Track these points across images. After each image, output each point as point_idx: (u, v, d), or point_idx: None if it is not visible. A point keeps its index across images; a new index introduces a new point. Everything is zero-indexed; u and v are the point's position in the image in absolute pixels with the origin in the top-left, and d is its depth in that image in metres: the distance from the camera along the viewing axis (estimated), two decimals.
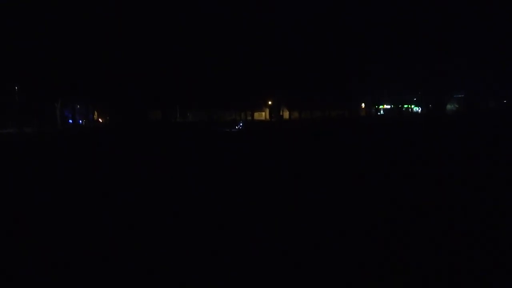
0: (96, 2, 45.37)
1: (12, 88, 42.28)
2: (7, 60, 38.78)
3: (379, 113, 73.41)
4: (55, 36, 42.21)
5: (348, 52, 65.69)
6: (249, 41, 62.63)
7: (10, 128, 43.53)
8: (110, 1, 45.94)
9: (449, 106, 64.88)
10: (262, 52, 64.66)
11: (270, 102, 75.19)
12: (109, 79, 49.01)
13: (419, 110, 72.85)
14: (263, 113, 78.39)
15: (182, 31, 54.89)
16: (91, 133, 35.05)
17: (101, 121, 67.43)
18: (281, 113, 75.17)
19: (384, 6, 60.06)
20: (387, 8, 60.25)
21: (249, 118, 71.65)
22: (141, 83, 53.36)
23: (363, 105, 75.51)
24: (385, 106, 76.55)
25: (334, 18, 62.71)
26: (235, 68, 64.31)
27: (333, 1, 60.39)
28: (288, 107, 73.28)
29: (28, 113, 44.95)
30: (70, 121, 56.59)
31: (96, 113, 64.39)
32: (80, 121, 59.13)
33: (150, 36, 50.73)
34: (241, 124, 38.57)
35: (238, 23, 58.93)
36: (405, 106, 70.74)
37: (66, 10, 43.77)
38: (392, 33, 59.88)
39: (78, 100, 54.21)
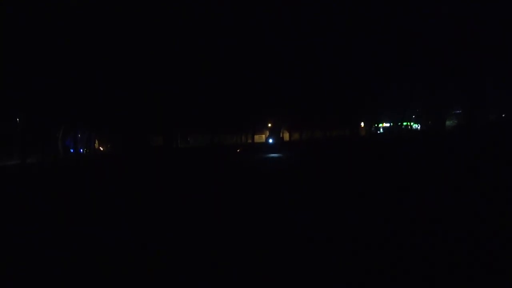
0: (95, 33, 46.01)
1: (14, 119, 42.36)
2: (9, 91, 38.98)
3: (378, 132, 73.68)
4: (56, 65, 42.60)
5: (346, 72, 66.54)
6: (248, 63, 63.44)
7: (13, 160, 43.38)
8: (109, 32, 46.59)
9: (448, 122, 65.19)
10: (261, 74, 65.41)
11: (270, 124, 75.57)
12: (109, 107, 49.24)
13: (419, 127, 73.18)
14: (263, 135, 78.67)
15: (180, 58, 55.58)
16: (94, 162, 34.93)
17: (102, 149, 67.37)
18: (281, 135, 75.42)
19: (382, 25, 61.10)
20: (385, 27, 61.28)
21: (249, 141, 71.81)
22: (141, 110, 53.60)
23: (362, 123, 75.93)
24: (384, 124, 76.90)
25: (333, 39, 63.67)
26: (235, 92, 64.88)
27: (331, 23, 61.45)
28: (288, 129, 73.55)
29: (30, 143, 44.85)
30: (72, 150, 56.49)
31: (97, 141, 64.43)
32: (81, 150, 59.03)
33: (148, 62, 51.28)
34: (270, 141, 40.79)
35: (237, 46, 59.78)
36: (405, 123, 71.09)
37: (66, 41, 44.35)
38: (390, 51, 60.74)
39: (79, 129, 54.26)
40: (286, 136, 74.61)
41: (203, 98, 62.02)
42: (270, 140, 65.95)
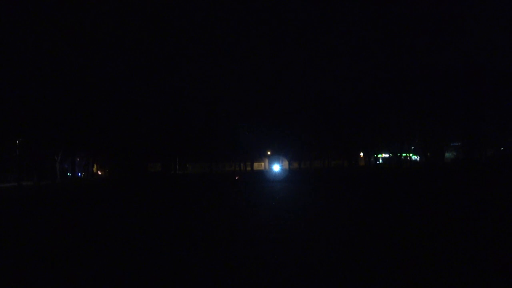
0: (96, 63, 47.33)
1: (13, 142, 42.78)
2: (8, 115, 39.62)
3: (378, 162, 73.55)
4: (56, 91, 43.50)
5: (345, 102, 67.36)
6: (249, 92, 64.72)
7: (9, 182, 43.47)
8: (110, 62, 47.93)
9: (447, 154, 65.15)
10: (260, 104, 66.34)
11: (269, 153, 75.78)
12: (108, 133, 49.78)
13: (418, 159, 73.10)
14: (262, 163, 78.67)
15: (181, 86, 56.77)
16: (93, 186, 34.89)
17: (100, 173, 67.42)
18: (282, 164, 75.45)
19: (383, 58, 62.55)
20: (383, 57, 62.68)
21: (249, 169, 71.86)
22: (141, 137, 54.13)
23: (361, 154, 75.93)
24: (384, 155, 76.91)
25: (331, 69, 65.15)
26: (235, 121, 65.55)
27: (333, 54, 63.07)
28: (287, 158, 73.66)
29: (28, 166, 45.12)
30: (69, 174, 56.63)
31: (95, 165, 64.60)
32: (79, 174, 59.14)
33: (149, 91, 52.28)
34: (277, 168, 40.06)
35: (238, 76, 61.06)
36: (404, 154, 71.07)
37: (66, 66, 45.50)
38: (389, 81, 61.79)
39: (77, 153, 54.62)
40: (285, 165, 74.58)
41: (202, 126, 62.70)
42: (276, 168, 65.29)
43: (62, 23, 43.32)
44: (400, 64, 63.00)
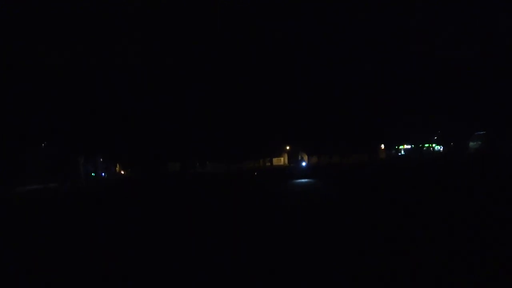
0: (120, 67, 48.20)
1: (38, 144, 44.30)
2: (33, 119, 40.98)
3: (399, 154, 72.13)
4: (80, 95, 44.63)
5: (366, 94, 66.20)
6: (265, 86, 64.38)
7: (35, 184, 45.01)
8: (133, 67, 48.71)
9: (471, 144, 63.12)
10: (279, 97, 65.98)
11: (288, 148, 75.46)
12: (130, 134, 50.82)
13: (441, 149, 71.19)
14: (282, 159, 78.47)
15: (198, 84, 57.16)
16: (110, 187, 35.73)
17: (123, 173, 68.93)
18: (299, 158, 74.97)
19: (401, 47, 61.17)
20: (404, 49, 61.33)
21: (268, 164, 71.84)
22: (161, 137, 54.97)
23: (382, 146, 74.54)
24: (405, 146, 75.23)
25: (351, 61, 64.13)
26: (253, 115, 65.51)
27: (350, 44, 62.06)
28: (306, 152, 73.14)
29: (52, 168, 46.56)
30: (93, 174, 58.15)
31: (118, 165, 66.08)
32: (103, 174, 60.64)
33: (167, 91, 52.91)
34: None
35: (254, 69, 60.94)
36: (426, 145, 69.40)
37: (89, 70, 46.61)
38: (410, 71, 60.45)
39: (100, 154, 56.03)
40: (305, 159, 74.11)
41: (221, 122, 63.00)
42: (303, 163, 62.52)
43: (86, 25, 44.30)
44: (421, 51, 61.44)
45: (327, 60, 69.96)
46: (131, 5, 45.19)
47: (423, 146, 68.36)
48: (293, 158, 75.66)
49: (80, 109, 44.69)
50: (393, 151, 69.15)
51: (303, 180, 24.48)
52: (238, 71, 59.63)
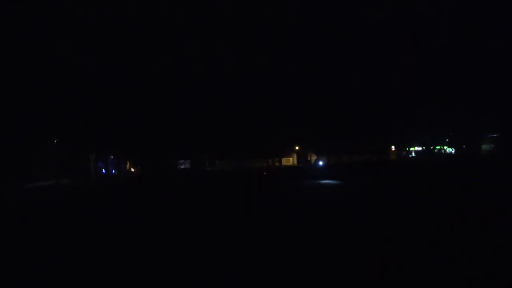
0: (128, 65, 48.49)
1: (50, 141, 44.89)
2: (45, 117, 41.52)
3: (410, 156, 71.41)
4: (89, 92, 45.07)
5: (376, 94, 65.62)
6: (275, 86, 64.29)
7: (47, 180, 45.66)
8: (141, 64, 48.97)
9: (484, 146, 62.24)
10: (288, 98, 65.83)
11: (297, 147, 75.27)
12: (140, 131, 51.17)
13: (452, 151, 70.31)
14: (291, 159, 78.32)
15: (208, 83, 57.33)
16: (121, 184, 36.03)
17: (133, 170, 69.49)
18: (309, 158, 74.82)
19: (415, 47, 60.54)
20: (418, 50, 60.68)
21: (277, 164, 71.74)
22: (172, 134, 55.30)
23: (393, 147, 73.90)
24: (416, 148, 74.50)
25: (363, 60, 63.69)
26: (263, 115, 65.47)
27: (362, 43, 61.61)
28: (315, 152, 72.89)
29: (63, 165, 47.16)
30: (103, 171, 58.77)
31: (128, 163, 66.62)
32: (113, 171, 61.25)
33: (177, 89, 53.15)
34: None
35: (265, 69, 60.85)
36: (437, 147, 68.59)
37: (97, 66, 47.00)
38: (423, 73, 59.77)
39: (111, 151, 56.58)
40: (314, 159, 73.86)
41: (231, 122, 63.14)
42: (320, 163, 60.63)
43: (99, 19, 44.66)
44: (435, 52, 60.66)
45: (340, 60, 69.58)
46: None
47: (435, 148, 67.57)
48: (302, 158, 75.50)
49: (92, 107, 45.14)
50: (404, 153, 68.47)
51: (326, 181, 22.87)
52: (249, 70, 59.59)
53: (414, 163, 47.41)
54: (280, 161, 73.06)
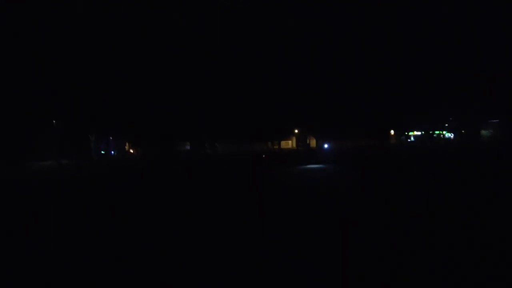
0: (127, 41, 47.66)
1: (50, 122, 44.48)
2: (44, 97, 41.04)
3: (409, 140, 71.63)
4: (90, 75, 44.46)
5: (375, 79, 65.24)
6: (274, 70, 63.57)
7: (47, 160, 45.40)
8: (141, 40, 48.16)
9: (484, 132, 62.45)
10: (288, 81, 65.35)
11: (296, 131, 75.19)
12: (140, 112, 50.74)
13: (452, 136, 70.53)
14: (290, 142, 78.38)
15: (209, 65, 56.59)
16: (121, 165, 35.98)
17: (132, 152, 69.28)
18: (308, 142, 74.85)
19: (409, 35, 59.88)
20: (413, 36, 60.01)
21: (276, 147, 71.80)
22: (171, 116, 54.86)
23: (392, 132, 73.99)
24: (416, 133, 74.63)
25: (363, 45, 62.90)
26: (263, 98, 65.09)
27: (357, 30, 60.82)
28: (315, 136, 72.87)
29: (64, 145, 46.89)
30: (102, 152, 58.55)
31: (128, 144, 66.40)
32: (112, 152, 61.03)
33: (179, 70, 52.53)
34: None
35: (263, 55, 60.12)
36: (436, 132, 68.75)
37: (99, 52, 46.22)
38: (421, 58, 59.22)
39: (111, 133, 56.22)
40: (313, 143, 73.98)
41: (231, 105, 62.71)
42: (326, 146, 59.37)
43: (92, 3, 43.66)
44: (433, 37, 60.08)
45: (338, 44, 68.75)
46: None
47: (434, 133, 67.77)
48: (301, 141, 75.53)
49: (91, 88, 44.58)
50: (403, 137, 68.63)
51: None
52: (248, 55, 58.84)
53: (414, 149, 47.57)
54: (279, 144, 73.11)
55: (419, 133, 72.72)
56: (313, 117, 67.13)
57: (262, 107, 64.72)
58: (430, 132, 68.11)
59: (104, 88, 46.35)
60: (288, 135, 76.54)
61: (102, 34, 46.18)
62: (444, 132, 71.04)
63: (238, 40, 57.37)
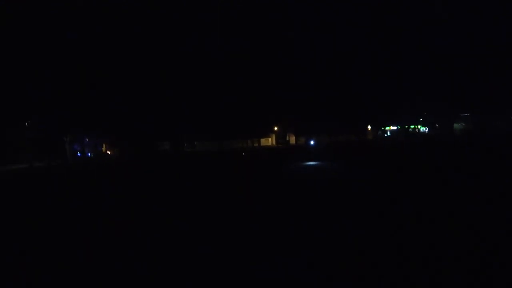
0: (105, 38, 46.71)
1: (22, 123, 43.04)
2: (17, 95, 39.72)
3: (386, 135, 73.18)
4: (64, 71, 43.29)
5: (353, 75, 66.20)
6: (254, 67, 63.62)
7: (20, 163, 43.95)
8: (119, 37, 47.28)
9: (456, 125, 64.52)
10: (266, 78, 65.54)
11: (276, 128, 75.56)
12: (117, 112, 49.77)
13: (426, 130, 72.56)
14: (269, 139, 78.65)
15: (187, 63, 56.07)
16: (98, 166, 35.21)
17: (109, 153, 67.89)
18: (287, 139, 75.36)
19: (388, 29, 61.07)
20: (390, 31, 61.25)
21: (256, 144, 71.86)
22: (149, 115, 54.08)
23: (369, 127, 75.42)
24: (391, 128, 76.36)
25: (340, 42, 63.73)
26: (241, 96, 65.03)
27: (337, 27, 61.65)
28: (294, 133, 73.43)
29: (37, 147, 45.47)
30: (79, 154, 57.11)
31: (104, 145, 64.99)
32: (89, 154, 59.63)
33: (157, 69, 51.82)
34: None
35: (243, 52, 60.05)
36: (412, 126, 70.55)
37: (75, 45, 45.07)
38: (395, 53, 60.56)
39: (86, 133, 54.90)
40: (292, 139, 74.52)
41: (209, 103, 62.38)
42: (311, 142, 59.16)
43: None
44: (407, 30, 61.53)
45: (316, 41, 69.44)
46: None
47: (409, 127, 69.49)
48: (281, 139, 75.97)
49: (66, 86, 43.39)
50: (379, 132, 70.06)
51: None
52: (228, 52, 58.64)
53: (392, 143, 48.10)
54: (259, 142, 73.28)
55: (395, 127, 74.44)
56: (292, 115, 67.65)
57: (241, 105, 64.70)
58: (406, 126, 69.74)
59: (80, 87, 45.23)
60: (267, 132, 76.76)
61: (77, 34, 45.07)
62: (419, 126, 72.95)
63: (217, 38, 57.06)
